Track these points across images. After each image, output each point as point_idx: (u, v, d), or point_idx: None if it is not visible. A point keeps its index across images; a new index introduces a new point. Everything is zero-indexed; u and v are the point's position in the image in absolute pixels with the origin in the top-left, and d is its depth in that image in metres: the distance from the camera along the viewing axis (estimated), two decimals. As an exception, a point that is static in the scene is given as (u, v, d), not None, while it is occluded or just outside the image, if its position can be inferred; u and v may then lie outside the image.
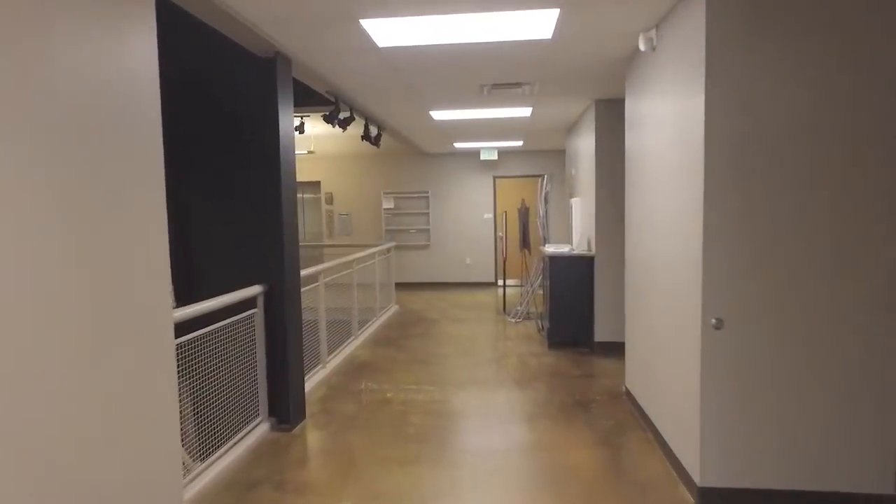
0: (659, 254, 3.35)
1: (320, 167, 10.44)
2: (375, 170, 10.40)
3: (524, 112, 6.09)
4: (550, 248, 6.08)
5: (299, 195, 11.48)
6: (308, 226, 11.11)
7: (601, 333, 5.64)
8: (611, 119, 5.48)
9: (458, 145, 9.16)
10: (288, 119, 3.63)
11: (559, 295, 5.74)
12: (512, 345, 5.95)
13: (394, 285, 8.03)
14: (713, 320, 2.57)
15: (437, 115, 6.14)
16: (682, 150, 2.90)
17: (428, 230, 10.34)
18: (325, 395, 4.41)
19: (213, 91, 3.64)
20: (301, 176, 10.93)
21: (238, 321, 3.45)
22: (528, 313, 7.43)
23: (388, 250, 7.88)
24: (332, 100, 4.85)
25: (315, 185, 10.65)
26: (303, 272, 4.54)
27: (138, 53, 2.06)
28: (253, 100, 3.51)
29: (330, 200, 10.54)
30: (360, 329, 6.13)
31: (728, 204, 2.57)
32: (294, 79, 4.36)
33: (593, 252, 5.65)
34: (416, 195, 10.33)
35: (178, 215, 3.79)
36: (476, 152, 9.91)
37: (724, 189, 2.57)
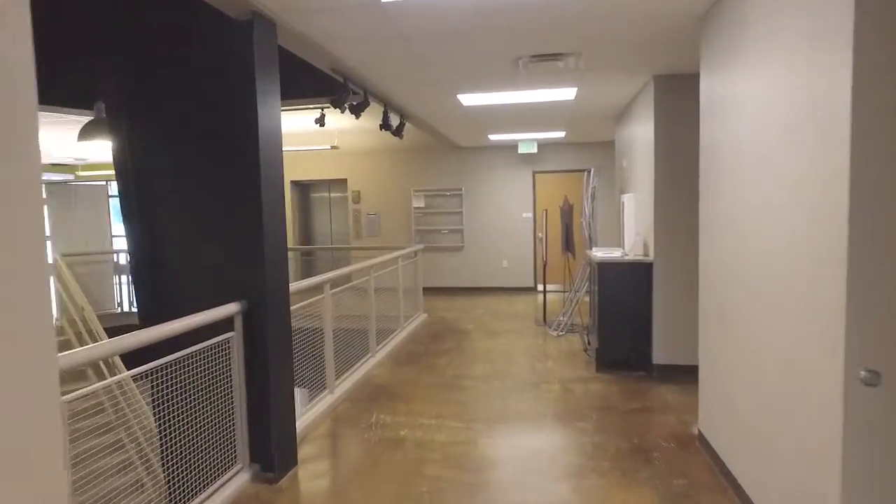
0: (762, 268, 2.47)
1: (346, 163, 9.83)
2: (405, 166, 9.71)
3: (567, 94, 5.23)
4: (599, 253, 5.20)
5: (325, 194, 11.04)
6: (335, 226, 10.53)
7: (661, 354, 4.74)
8: (675, 99, 4.56)
9: (493, 137, 8.35)
10: (271, 100, 2.93)
11: (610, 308, 4.87)
12: (553, 365, 5.11)
13: (421, 291, 7.30)
14: (863, 372, 1.70)
15: (467, 99, 5.36)
16: (806, 139, 2.03)
17: (461, 230, 9.57)
18: (327, 431, 3.71)
19: (177, 63, 2.98)
20: (326, 173, 10.43)
21: (210, 347, 2.79)
22: (571, 325, 6.56)
23: (415, 253, 7.16)
24: (341, 80, 4.15)
25: (341, 183, 10.05)
26: (307, 282, 3.87)
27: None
28: (226, 74, 2.83)
29: (357, 199, 9.92)
30: (379, 344, 5.43)
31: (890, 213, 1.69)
32: (293, 55, 3.70)
33: (651, 257, 4.75)
34: (448, 193, 9.57)
35: (144, 215, 3.17)
36: (513, 145, 9.07)
37: (887, 194, 1.69)
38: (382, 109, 5.32)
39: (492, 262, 9.55)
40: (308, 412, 3.79)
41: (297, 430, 3.56)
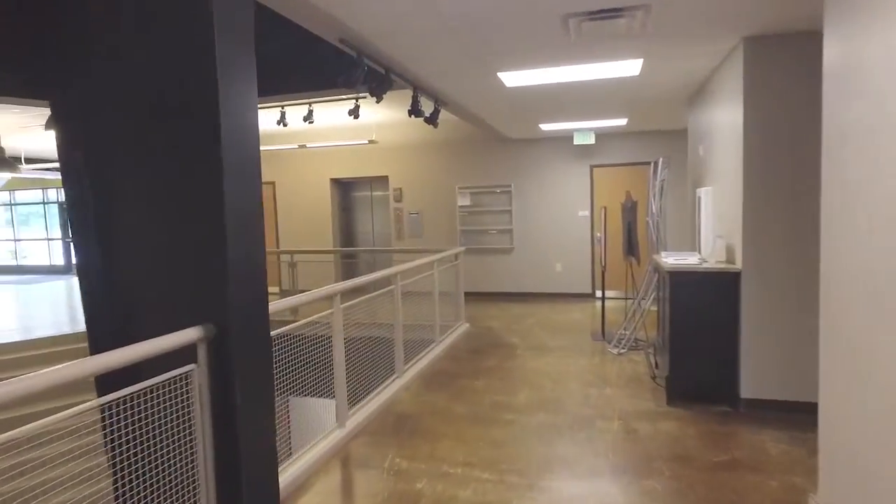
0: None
1: (387, 159, 9.25)
2: (449, 161, 9.02)
3: (631, 68, 4.35)
4: (669, 259, 4.30)
5: (366, 193, 10.52)
6: (377, 227, 10.00)
7: (751, 386, 3.80)
8: (773, 67, 3.62)
9: (545, 127, 7.51)
10: (244, 77, 2.29)
11: (684, 326, 3.97)
12: (613, 394, 4.25)
13: (462, 299, 6.58)
14: None
15: (510, 78, 4.59)
16: None
17: (510, 231, 8.76)
18: (327, 480, 3.06)
19: (129, 28, 2.40)
20: (367, 170, 9.89)
21: (168, 383, 2.20)
22: (634, 341, 5.65)
23: (456, 256, 6.45)
24: (354, 55, 3.50)
25: (383, 181, 9.49)
26: (310, 294, 3.25)
27: None
28: (180, 43, 2.22)
29: (398, 197, 9.32)
30: (410, 360, 4.76)
31: None
32: (319, 41, 3.09)
33: (737, 265, 3.82)
34: (497, 190, 8.80)
35: (99, 220, 2.63)
36: (568, 136, 8.18)
37: None
38: (412, 92, 4.65)
39: (544, 265, 8.69)
40: (309, 452, 3.16)
41: (292, 477, 2.94)
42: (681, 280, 3.97)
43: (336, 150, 9.24)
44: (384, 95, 4.17)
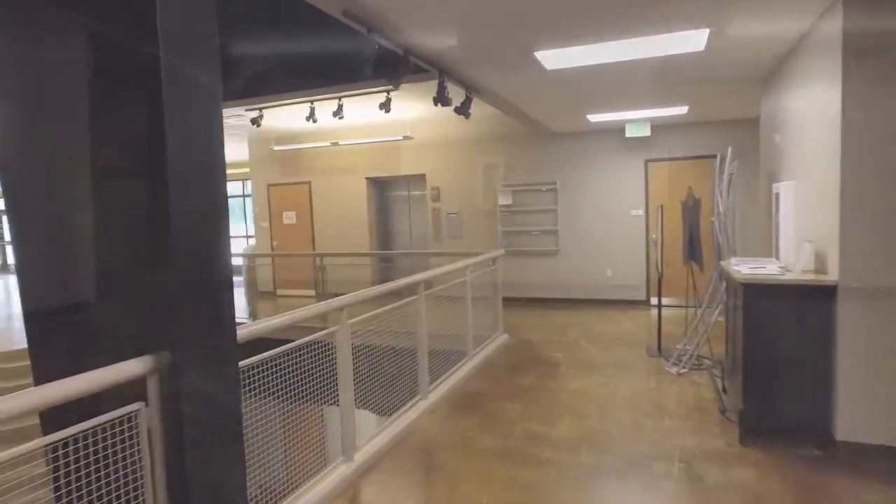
0: None
1: (424, 157, 8.78)
2: (489, 158, 8.45)
3: (694, 41, 3.67)
4: (742, 267, 3.60)
5: (404, 192, 10.09)
6: (415, 228, 9.56)
7: (852, 427, 3.06)
8: (886, 28, 2.88)
9: (593, 118, 6.83)
10: (199, 58, 1.84)
11: (762, 349, 3.28)
12: (673, 427, 3.60)
13: (500, 307, 6.02)
14: None
15: (550, 59, 4.00)
16: None
17: (556, 232, 8.11)
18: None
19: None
20: (404, 168, 9.46)
21: (111, 426, 1.79)
22: (697, 359, 4.92)
23: (494, 260, 5.90)
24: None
25: (419, 180, 9.04)
26: (317, 306, 2.80)
27: None
28: (116, 10, 1.79)
29: (436, 197, 8.84)
30: (435, 381, 4.25)
31: None
32: (347, 29, 2.63)
33: (833, 276, 3.09)
34: (543, 188, 8.17)
35: (61, 219, 2.26)
36: (620, 128, 7.45)
37: None
38: (438, 78, 4.15)
39: (593, 269, 7.99)
40: (306, 494, 2.70)
41: (281, 529, 2.49)
42: (758, 293, 3.27)
43: (371, 149, 8.86)
44: (404, 82, 3.70)
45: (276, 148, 9.14)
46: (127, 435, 1.83)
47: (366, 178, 9.21)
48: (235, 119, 7.72)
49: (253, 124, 7.05)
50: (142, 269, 1.85)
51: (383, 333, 3.67)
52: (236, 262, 9.90)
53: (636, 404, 4.00)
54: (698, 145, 7.33)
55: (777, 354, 3.25)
